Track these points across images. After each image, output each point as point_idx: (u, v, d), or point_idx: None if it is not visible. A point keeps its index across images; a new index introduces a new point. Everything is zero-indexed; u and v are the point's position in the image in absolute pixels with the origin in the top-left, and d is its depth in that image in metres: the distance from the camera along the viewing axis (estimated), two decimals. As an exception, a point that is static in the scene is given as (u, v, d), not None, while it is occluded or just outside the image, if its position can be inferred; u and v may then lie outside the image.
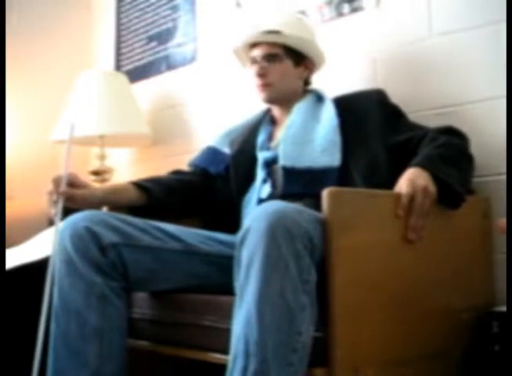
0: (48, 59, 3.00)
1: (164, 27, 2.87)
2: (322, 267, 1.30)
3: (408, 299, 1.46)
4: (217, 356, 1.42)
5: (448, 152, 1.57)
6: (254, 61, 1.84)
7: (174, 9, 2.81)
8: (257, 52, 1.84)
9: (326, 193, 1.31)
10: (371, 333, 1.36)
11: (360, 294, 1.35)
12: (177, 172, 1.92)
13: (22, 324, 1.81)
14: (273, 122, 1.92)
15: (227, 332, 1.28)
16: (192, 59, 2.68)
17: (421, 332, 1.47)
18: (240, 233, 1.27)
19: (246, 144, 1.90)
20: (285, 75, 1.83)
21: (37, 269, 1.55)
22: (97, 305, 1.45)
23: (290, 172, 1.68)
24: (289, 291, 1.19)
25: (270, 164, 1.79)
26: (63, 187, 1.53)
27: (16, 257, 2.03)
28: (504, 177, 1.71)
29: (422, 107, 1.94)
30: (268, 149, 1.84)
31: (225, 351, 1.27)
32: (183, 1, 2.77)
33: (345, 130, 1.72)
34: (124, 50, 3.07)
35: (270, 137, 1.88)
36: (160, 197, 1.74)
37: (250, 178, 1.82)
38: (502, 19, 1.76)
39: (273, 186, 1.74)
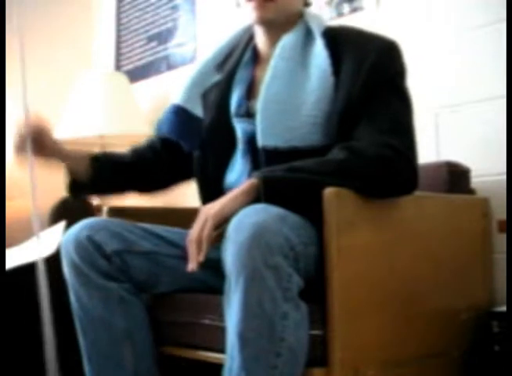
0: (48, 59, 3.00)
1: (163, 27, 2.87)
2: (323, 267, 1.30)
3: (408, 299, 1.45)
4: (217, 356, 1.42)
5: (313, 165, 1.32)
6: None
7: (174, 9, 2.82)
8: None
9: (326, 193, 1.30)
10: (371, 333, 1.36)
11: (360, 294, 1.35)
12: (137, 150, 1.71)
13: (22, 324, 1.81)
14: (255, 58, 1.56)
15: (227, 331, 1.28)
16: (192, 59, 2.68)
17: (421, 332, 1.47)
18: (224, 240, 1.26)
19: (223, 102, 1.55)
20: None
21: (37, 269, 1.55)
22: (119, 309, 1.47)
23: (272, 155, 1.41)
24: (267, 301, 1.19)
25: (252, 139, 1.47)
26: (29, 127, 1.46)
27: (16, 257, 2.03)
28: (504, 177, 1.71)
29: (421, 107, 1.94)
30: (247, 114, 1.51)
31: (224, 350, 1.27)
32: (183, 1, 2.78)
33: (340, 91, 1.40)
34: (124, 50, 3.07)
35: (250, 87, 1.53)
36: (104, 176, 1.62)
37: (231, 153, 1.55)
38: (503, 19, 1.76)
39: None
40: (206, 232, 1.27)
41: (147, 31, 2.95)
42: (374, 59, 1.40)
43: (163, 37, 2.87)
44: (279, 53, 1.46)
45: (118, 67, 3.08)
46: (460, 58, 1.87)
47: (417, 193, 1.57)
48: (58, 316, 1.60)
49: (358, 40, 1.45)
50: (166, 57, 2.84)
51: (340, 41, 1.45)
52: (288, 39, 1.47)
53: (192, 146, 1.58)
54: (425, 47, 1.95)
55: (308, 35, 1.48)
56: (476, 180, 1.74)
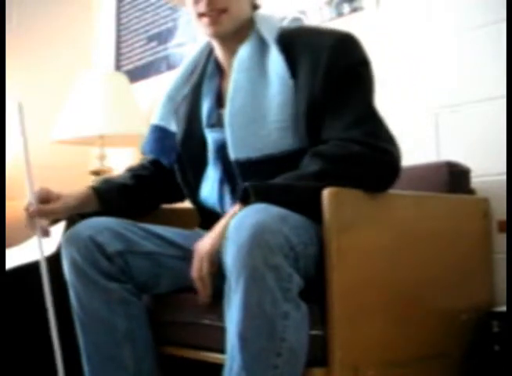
0: (48, 60, 3.00)
1: (163, 27, 2.87)
2: (323, 267, 1.30)
3: (408, 299, 1.45)
4: (217, 356, 1.42)
5: (290, 183, 1.33)
6: None
7: (175, 9, 2.82)
8: None
9: (326, 193, 1.30)
10: (371, 333, 1.36)
11: (360, 295, 1.35)
12: (132, 170, 1.75)
13: (22, 324, 1.81)
14: (219, 69, 1.59)
15: (227, 331, 1.28)
16: (192, 59, 2.68)
17: (421, 332, 1.47)
18: (223, 241, 1.27)
19: (193, 113, 1.59)
20: None
21: (37, 270, 1.55)
22: (120, 310, 1.48)
23: (246, 165, 1.45)
24: (267, 301, 1.19)
25: (221, 147, 1.52)
26: (34, 206, 1.51)
27: (16, 257, 2.03)
28: (504, 177, 1.71)
29: (421, 107, 1.94)
30: (218, 123, 1.53)
31: (224, 350, 1.27)
32: (183, 1, 2.78)
33: (300, 92, 1.42)
34: (124, 50, 3.07)
35: (219, 98, 1.56)
36: (112, 203, 1.65)
37: (205, 163, 1.59)
38: (503, 19, 1.76)
39: (232, 186, 1.53)
40: (204, 271, 1.36)
41: (147, 31, 2.95)
42: (330, 54, 1.41)
43: (163, 37, 2.87)
44: (237, 66, 1.48)
45: (118, 67, 3.08)
46: (460, 58, 1.87)
47: (417, 193, 1.58)
48: (56, 316, 1.60)
49: (312, 38, 1.46)
50: (166, 57, 2.84)
51: (294, 42, 1.47)
52: (244, 51, 1.49)
53: (169, 161, 1.63)
54: (425, 47, 1.95)
55: (263, 43, 1.50)
56: (476, 180, 1.74)
